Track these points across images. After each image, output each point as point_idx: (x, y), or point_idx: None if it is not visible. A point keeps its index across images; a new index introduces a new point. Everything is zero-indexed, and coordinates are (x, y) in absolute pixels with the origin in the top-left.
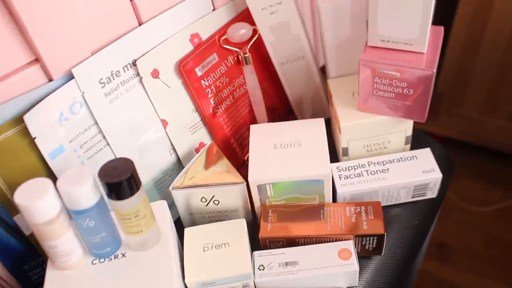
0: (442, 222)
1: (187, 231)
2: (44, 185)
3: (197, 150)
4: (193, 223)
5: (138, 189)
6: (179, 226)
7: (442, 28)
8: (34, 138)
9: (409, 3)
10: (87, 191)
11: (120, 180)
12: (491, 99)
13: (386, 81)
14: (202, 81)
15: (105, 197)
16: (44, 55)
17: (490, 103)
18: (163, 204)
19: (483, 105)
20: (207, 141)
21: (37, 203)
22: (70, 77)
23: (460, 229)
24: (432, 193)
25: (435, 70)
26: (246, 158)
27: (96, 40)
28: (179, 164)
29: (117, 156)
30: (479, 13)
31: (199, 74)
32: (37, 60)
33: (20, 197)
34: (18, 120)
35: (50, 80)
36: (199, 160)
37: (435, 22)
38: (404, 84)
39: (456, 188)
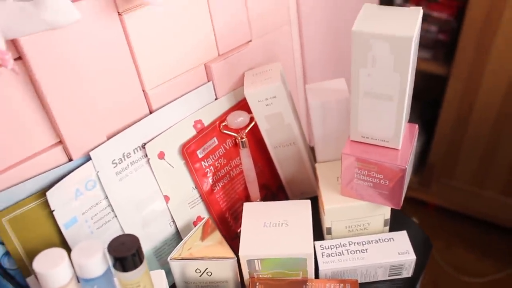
0: None
1: None
2: (60, 254)
3: (195, 223)
4: None
5: (141, 263)
6: None
7: (416, 126)
8: (53, 210)
9: (384, 108)
10: (97, 263)
11: (126, 255)
12: (482, 172)
13: (365, 172)
14: (203, 162)
15: (111, 266)
16: (67, 138)
17: (481, 175)
18: (161, 273)
19: (474, 177)
20: (205, 215)
21: (52, 271)
22: (88, 158)
23: None
24: (407, 273)
25: (407, 166)
26: (239, 230)
27: (112, 126)
28: (178, 235)
29: (123, 227)
30: (468, 89)
31: (200, 156)
32: (60, 142)
33: (38, 264)
34: (41, 194)
35: (70, 160)
36: (196, 234)
37: (426, 98)
38: (381, 176)
39: (448, 257)
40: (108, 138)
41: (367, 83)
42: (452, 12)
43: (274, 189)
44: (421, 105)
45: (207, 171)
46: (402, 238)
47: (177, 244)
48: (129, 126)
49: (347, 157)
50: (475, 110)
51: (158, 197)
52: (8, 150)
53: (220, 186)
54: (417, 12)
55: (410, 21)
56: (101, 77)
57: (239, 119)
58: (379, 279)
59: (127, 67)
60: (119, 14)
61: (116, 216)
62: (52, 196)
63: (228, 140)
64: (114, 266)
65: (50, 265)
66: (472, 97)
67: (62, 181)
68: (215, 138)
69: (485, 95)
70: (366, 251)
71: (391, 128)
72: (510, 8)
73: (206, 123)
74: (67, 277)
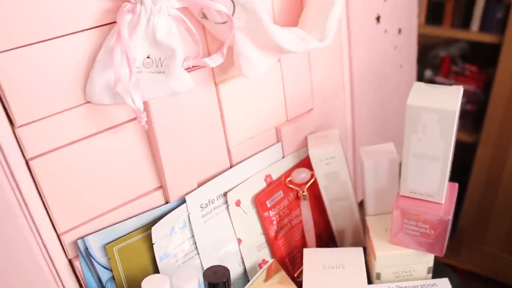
0: None
1: None
2: (163, 279)
3: (260, 266)
4: None
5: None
6: None
7: (456, 184)
8: (153, 243)
9: (430, 167)
10: (194, 287)
11: (219, 282)
12: None
13: (413, 223)
14: (270, 211)
15: None
16: (168, 184)
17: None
18: None
19: (505, 242)
20: (268, 258)
21: None
22: (180, 201)
23: None
24: None
25: (450, 217)
26: (296, 275)
27: (202, 175)
28: (245, 275)
29: (203, 263)
30: (497, 155)
31: (268, 205)
32: (160, 187)
33: (146, 285)
34: (143, 230)
35: (166, 202)
36: (261, 276)
37: (455, 171)
38: (427, 226)
39: None
40: (199, 186)
41: (417, 146)
42: (479, 84)
43: (326, 239)
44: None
45: (273, 219)
46: (444, 284)
47: (244, 284)
48: (214, 176)
49: (397, 209)
50: (504, 175)
51: (232, 239)
52: (122, 191)
53: (283, 233)
54: (459, 90)
55: (453, 97)
56: (198, 134)
57: (302, 175)
58: None
59: (217, 127)
60: (216, 84)
61: (198, 253)
62: (155, 231)
63: (291, 194)
64: None
65: (155, 286)
66: (501, 162)
67: (163, 219)
68: (281, 191)
69: None
70: None
71: (435, 184)
72: None
73: (275, 177)
74: None
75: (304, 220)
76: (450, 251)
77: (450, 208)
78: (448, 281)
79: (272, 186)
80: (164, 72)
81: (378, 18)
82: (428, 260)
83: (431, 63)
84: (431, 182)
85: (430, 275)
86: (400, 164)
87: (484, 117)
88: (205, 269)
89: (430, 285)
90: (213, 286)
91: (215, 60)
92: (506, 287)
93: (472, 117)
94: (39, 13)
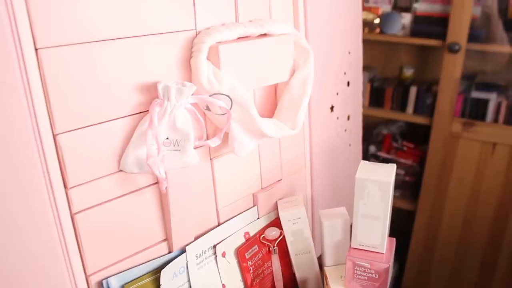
0: None
1: None
2: None
3: None
4: None
5: None
6: None
7: (394, 239)
8: (160, 285)
9: (374, 224)
10: None
11: None
12: None
13: (362, 269)
14: (248, 262)
15: None
16: (173, 237)
17: None
18: None
19: None
20: None
21: None
22: (180, 252)
23: None
24: None
25: (390, 264)
26: None
27: (198, 230)
28: None
29: None
30: (433, 220)
31: (247, 257)
32: (165, 239)
33: None
34: (153, 273)
35: (170, 252)
36: None
37: (397, 235)
38: (372, 271)
39: None
40: (195, 239)
41: (364, 209)
42: (415, 159)
43: None
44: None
45: (250, 269)
46: None
47: None
48: (206, 231)
49: (350, 258)
50: (439, 238)
51: (218, 285)
52: (137, 241)
53: (257, 281)
54: (393, 167)
55: (389, 171)
56: (197, 198)
57: (273, 232)
58: None
59: (210, 192)
60: (211, 159)
61: None
62: (163, 274)
63: (263, 248)
64: None
65: None
66: (436, 228)
67: (169, 265)
68: (256, 246)
69: (447, 224)
70: None
71: (378, 238)
72: (459, 159)
73: (251, 234)
74: None
75: (274, 270)
76: None
77: (390, 256)
78: None
79: (250, 241)
80: (180, 150)
81: (332, 108)
82: None
83: (374, 140)
84: (375, 236)
85: None
86: (351, 224)
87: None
88: None
89: None
90: None
91: (214, 142)
92: None
93: (410, 187)
94: (95, 100)
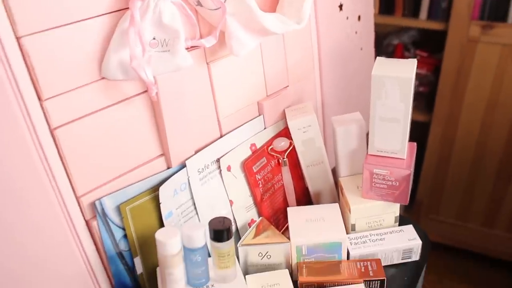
0: None
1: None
2: (174, 230)
3: (249, 225)
4: (246, 272)
5: (232, 236)
6: None
7: (415, 144)
8: (160, 203)
9: (393, 128)
10: (200, 236)
11: (224, 228)
12: (465, 206)
13: (381, 177)
14: (256, 175)
15: (208, 243)
16: (171, 151)
17: (464, 209)
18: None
19: (458, 212)
20: (256, 218)
21: (170, 240)
22: (180, 167)
23: None
24: (415, 256)
25: (411, 170)
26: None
27: (197, 144)
28: (237, 233)
29: (201, 222)
30: (447, 132)
31: (254, 170)
32: (162, 154)
33: (160, 236)
34: (150, 192)
35: (168, 168)
36: (252, 232)
37: (414, 140)
38: (392, 179)
39: None
40: (195, 153)
41: (381, 110)
42: (430, 68)
43: (303, 203)
44: None
45: (259, 182)
46: (409, 229)
47: (237, 241)
48: (208, 144)
49: (367, 166)
50: (454, 151)
51: (225, 201)
52: (131, 157)
53: (267, 196)
54: (413, 62)
55: (409, 67)
56: (194, 107)
57: (282, 143)
58: (394, 262)
59: (209, 101)
60: (207, 63)
61: (197, 213)
62: (162, 190)
63: (272, 161)
64: (214, 239)
65: (168, 236)
66: (451, 139)
67: (167, 181)
68: (264, 158)
69: (462, 136)
70: (384, 240)
71: (398, 143)
72: (476, 65)
73: (258, 145)
74: (179, 246)
75: (285, 184)
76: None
77: (411, 162)
78: (412, 227)
79: (257, 153)
80: (169, 51)
81: (340, 6)
82: (395, 210)
83: (385, 51)
84: (394, 141)
85: (397, 223)
86: (367, 130)
87: (435, 98)
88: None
89: (397, 231)
90: (217, 233)
91: (209, 41)
92: (461, 252)
93: (424, 98)
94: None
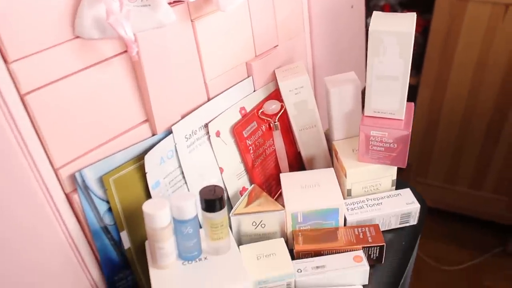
0: (416, 281)
1: (242, 248)
2: (162, 202)
3: (241, 193)
4: (240, 243)
5: (224, 206)
6: None
7: (413, 104)
8: (146, 172)
9: (391, 86)
10: (191, 206)
11: (216, 198)
12: (453, 169)
13: (378, 139)
14: (247, 141)
15: (199, 213)
16: (155, 117)
17: (452, 172)
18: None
19: (445, 175)
20: (247, 186)
21: (159, 212)
22: (166, 133)
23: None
24: (413, 221)
25: (410, 130)
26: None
27: (183, 108)
28: (229, 201)
29: (191, 191)
30: (436, 95)
31: (245, 135)
32: (146, 120)
33: (147, 208)
34: (135, 161)
35: (153, 134)
36: (244, 200)
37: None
38: (390, 140)
39: (430, 250)
40: (182, 118)
41: (379, 68)
42: (418, 29)
43: (296, 168)
44: None
45: (250, 148)
46: (407, 193)
47: (228, 210)
48: (194, 109)
49: (364, 128)
50: (442, 114)
51: (215, 168)
52: (112, 125)
53: (259, 162)
54: (412, 16)
55: (408, 21)
56: (179, 69)
57: (272, 106)
58: (392, 227)
59: (195, 62)
60: (192, 20)
61: (186, 182)
62: (148, 159)
63: (263, 125)
64: (206, 209)
65: (156, 208)
66: (439, 101)
67: (153, 149)
68: (255, 122)
69: (451, 99)
70: (381, 204)
71: (396, 102)
72: (466, 25)
73: (248, 109)
74: (168, 219)
75: (277, 148)
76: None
77: (410, 123)
78: (410, 190)
79: (247, 117)
80: (150, 5)
81: None
82: (392, 173)
83: (371, 13)
84: (393, 100)
85: (394, 187)
86: (362, 90)
87: (423, 60)
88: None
89: (395, 195)
90: (209, 203)
91: None
92: (449, 214)
93: (412, 60)
94: None
